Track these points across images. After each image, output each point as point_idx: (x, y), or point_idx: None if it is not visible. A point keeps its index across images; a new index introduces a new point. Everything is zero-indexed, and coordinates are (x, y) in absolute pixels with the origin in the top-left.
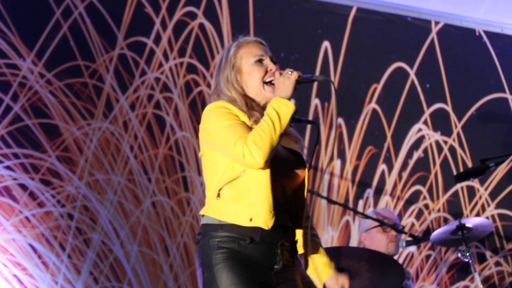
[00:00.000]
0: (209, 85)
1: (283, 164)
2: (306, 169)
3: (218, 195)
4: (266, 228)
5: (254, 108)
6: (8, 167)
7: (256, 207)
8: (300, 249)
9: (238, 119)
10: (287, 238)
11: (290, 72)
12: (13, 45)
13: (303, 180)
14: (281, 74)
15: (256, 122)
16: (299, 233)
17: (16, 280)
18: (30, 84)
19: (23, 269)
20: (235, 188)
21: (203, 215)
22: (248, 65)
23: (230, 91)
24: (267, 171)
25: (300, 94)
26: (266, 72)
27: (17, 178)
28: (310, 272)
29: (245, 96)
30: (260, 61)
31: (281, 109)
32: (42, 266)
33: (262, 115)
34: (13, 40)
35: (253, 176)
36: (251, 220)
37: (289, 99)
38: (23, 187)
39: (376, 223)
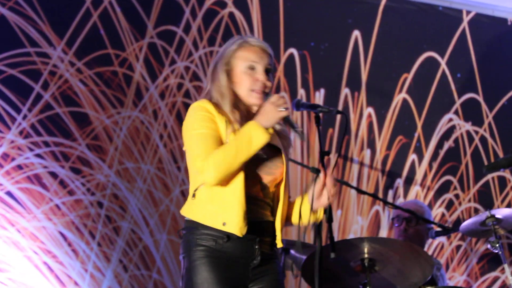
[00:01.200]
0: None
1: (262, 160)
2: (284, 165)
3: (194, 195)
4: (240, 235)
5: (239, 107)
6: (38, 155)
7: (229, 212)
8: (279, 243)
9: (213, 128)
10: (267, 233)
11: (283, 109)
12: (44, 33)
13: (284, 175)
14: (274, 102)
15: (236, 123)
16: (278, 227)
17: (46, 268)
18: (60, 73)
19: (53, 257)
20: (210, 189)
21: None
22: (240, 69)
23: (221, 87)
24: (241, 175)
25: (330, 83)
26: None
27: (47, 166)
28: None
29: (234, 94)
30: (252, 68)
31: (255, 138)
32: (72, 253)
33: (245, 115)
34: (43, 29)
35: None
36: (224, 224)
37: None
38: (54, 175)
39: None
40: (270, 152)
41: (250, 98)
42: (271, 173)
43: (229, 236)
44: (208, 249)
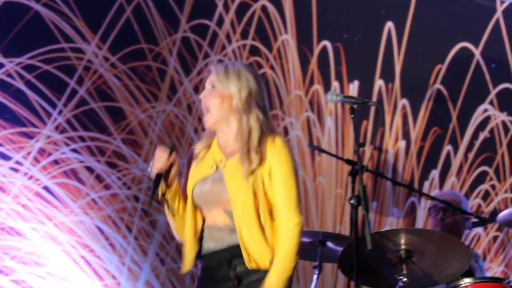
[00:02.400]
0: (272, 67)
1: (211, 195)
2: (229, 191)
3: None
4: (183, 272)
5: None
6: (74, 150)
7: (186, 253)
8: (248, 264)
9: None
10: (240, 254)
11: (149, 169)
12: (78, 29)
13: (242, 191)
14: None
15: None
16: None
17: (84, 262)
18: (94, 68)
19: (91, 251)
20: None
21: None
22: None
23: None
24: (190, 209)
25: (364, 74)
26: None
27: (83, 160)
28: None
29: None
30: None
31: None
32: (109, 247)
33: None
34: (77, 24)
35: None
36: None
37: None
38: (90, 169)
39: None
40: (211, 184)
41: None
42: (225, 200)
43: (201, 269)
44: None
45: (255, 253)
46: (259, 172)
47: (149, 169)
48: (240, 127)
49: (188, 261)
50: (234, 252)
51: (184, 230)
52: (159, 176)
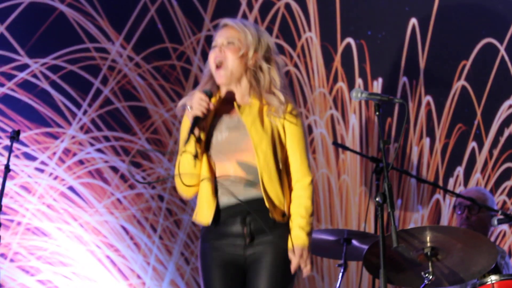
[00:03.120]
0: (296, 65)
1: (228, 144)
2: (252, 139)
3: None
4: (208, 225)
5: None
6: (99, 150)
7: (201, 206)
8: (275, 215)
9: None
10: (255, 208)
11: (189, 108)
12: (102, 29)
13: (261, 146)
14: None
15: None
16: (266, 199)
17: (109, 261)
18: (119, 67)
19: (116, 250)
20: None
21: None
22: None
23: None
24: (205, 167)
25: (388, 71)
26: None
27: (108, 160)
28: None
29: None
30: (214, 46)
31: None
32: (134, 247)
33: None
34: (102, 24)
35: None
36: (205, 220)
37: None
38: (114, 169)
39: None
40: (233, 132)
41: (215, 74)
42: (243, 150)
43: (214, 223)
44: (203, 233)
45: (275, 205)
46: (276, 123)
47: (188, 107)
48: (261, 78)
49: (208, 215)
50: (249, 207)
51: (196, 183)
52: (197, 119)
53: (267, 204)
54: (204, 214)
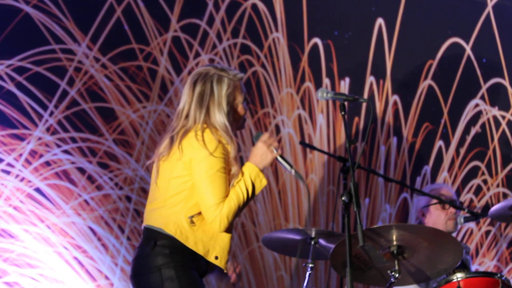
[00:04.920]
0: (263, 66)
1: None
2: None
3: (192, 222)
4: (225, 271)
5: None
6: (66, 151)
7: (222, 249)
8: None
9: (224, 169)
10: None
11: (274, 150)
12: (68, 30)
13: None
14: (266, 141)
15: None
16: None
17: (76, 263)
18: (85, 69)
19: (83, 252)
20: (202, 221)
21: (160, 229)
22: (238, 104)
23: (223, 119)
24: None
25: (355, 71)
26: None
27: (75, 161)
28: None
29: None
30: (245, 100)
31: (257, 184)
32: (102, 248)
33: None
34: (68, 25)
35: None
36: (216, 258)
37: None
38: (81, 170)
39: (435, 200)
40: None
41: (242, 125)
42: None
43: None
44: (186, 258)
45: None
46: None
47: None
48: None
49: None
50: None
51: None
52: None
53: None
54: (225, 259)
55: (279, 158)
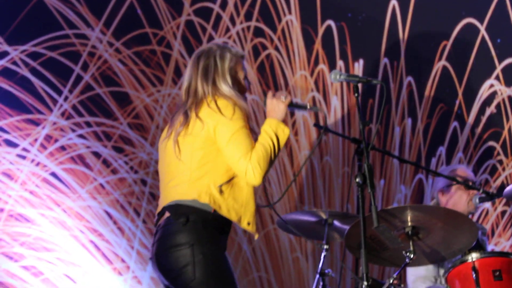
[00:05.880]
0: (276, 48)
1: None
2: None
3: (221, 191)
4: (256, 235)
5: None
6: (81, 136)
7: (252, 215)
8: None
9: (246, 127)
10: None
11: (283, 98)
12: (82, 15)
13: None
14: (274, 95)
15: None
16: None
17: (93, 246)
18: (99, 53)
19: (100, 235)
20: (231, 189)
21: (195, 200)
22: (240, 79)
23: (230, 88)
24: None
25: (369, 53)
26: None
27: (90, 146)
28: None
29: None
30: (245, 78)
31: (280, 134)
32: (118, 231)
33: None
34: (81, 11)
35: (244, 183)
36: (248, 224)
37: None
38: (97, 155)
39: (454, 181)
40: None
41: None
42: None
43: (227, 230)
44: (213, 227)
45: None
46: None
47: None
48: None
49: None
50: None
51: None
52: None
53: None
54: (255, 224)
55: (292, 107)
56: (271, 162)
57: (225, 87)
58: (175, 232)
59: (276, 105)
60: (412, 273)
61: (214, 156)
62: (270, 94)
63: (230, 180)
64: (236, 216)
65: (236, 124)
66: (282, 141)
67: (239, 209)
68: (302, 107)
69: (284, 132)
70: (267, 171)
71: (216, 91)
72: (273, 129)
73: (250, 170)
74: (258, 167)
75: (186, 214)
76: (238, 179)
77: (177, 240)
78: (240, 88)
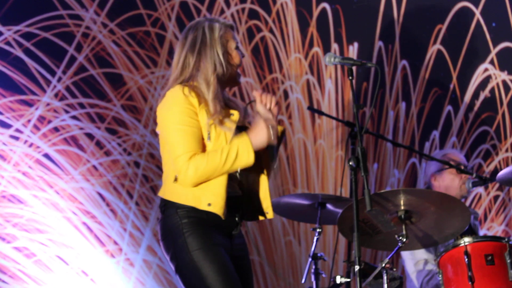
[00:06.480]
0: (271, 31)
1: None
2: None
3: (176, 179)
4: (222, 217)
5: (219, 97)
6: (74, 117)
7: (214, 194)
8: (270, 215)
9: (196, 126)
10: (241, 206)
11: (271, 129)
12: None
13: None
14: (267, 120)
15: (217, 114)
16: (264, 198)
17: (85, 228)
18: (93, 34)
19: (92, 217)
20: None
21: (161, 196)
22: (232, 49)
23: (207, 75)
24: None
25: (363, 36)
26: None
27: (83, 127)
28: None
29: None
30: (237, 47)
31: (243, 156)
32: (111, 213)
33: (223, 102)
34: None
35: None
36: (209, 205)
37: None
38: (90, 136)
39: (446, 165)
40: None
41: (237, 79)
42: None
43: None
44: (197, 219)
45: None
46: None
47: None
48: None
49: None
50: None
51: None
52: None
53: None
54: (220, 204)
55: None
56: (210, 175)
57: (210, 61)
58: (159, 224)
59: (264, 134)
60: (411, 257)
61: None
62: (260, 108)
63: None
64: (193, 200)
65: (178, 118)
66: (238, 165)
67: (201, 193)
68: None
69: (248, 160)
70: (202, 180)
71: (198, 65)
72: (239, 149)
73: (184, 171)
74: (193, 172)
75: (161, 208)
76: None
77: (160, 234)
78: (231, 60)
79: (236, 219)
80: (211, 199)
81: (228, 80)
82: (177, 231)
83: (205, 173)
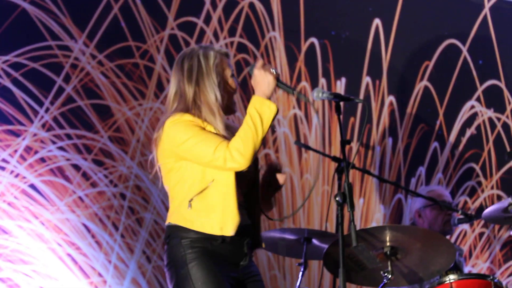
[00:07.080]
0: None
1: None
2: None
3: (190, 206)
4: (232, 234)
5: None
6: (61, 148)
7: (225, 218)
8: (264, 245)
9: (206, 130)
10: (250, 235)
11: (273, 70)
12: (65, 26)
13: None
14: (263, 66)
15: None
16: (259, 228)
17: (70, 259)
18: (82, 65)
19: (77, 248)
20: (203, 199)
21: (169, 223)
22: (228, 77)
23: (211, 105)
24: (232, 181)
25: (351, 71)
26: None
27: (70, 158)
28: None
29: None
30: (233, 75)
31: (264, 112)
32: (96, 245)
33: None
34: (64, 22)
35: (219, 187)
36: (221, 229)
37: (269, 98)
38: (76, 167)
39: (430, 202)
40: None
41: (232, 107)
42: (248, 175)
43: (224, 239)
44: (203, 249)
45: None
46: None
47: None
48: None
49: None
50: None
51: None
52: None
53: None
54: (232, 227)
55: (279, 83)
56: (254, 146)
57: (209, 88)
58: (165, 253)
59: (264, 77)
60: None
61: (180, 173)
62: (259, 63)
63: (199, 194)
64: (210, 228)
65: (190, 127)
66: (268, 121)
67: (215, 219)
68: (289, 89)
69: (271, 109)
70: (251, 154)
71: (198, 93)
72: (257, 109)
73: (229, 157)
74: (237, 153)
75: (167, 236)
76: (208, 190)
77: (165, 262)
78: (228, 87)
79: (245, 249)
80: (224, 223)
81: (224, 109)
82: (181, 262)
83: (247, 148)
